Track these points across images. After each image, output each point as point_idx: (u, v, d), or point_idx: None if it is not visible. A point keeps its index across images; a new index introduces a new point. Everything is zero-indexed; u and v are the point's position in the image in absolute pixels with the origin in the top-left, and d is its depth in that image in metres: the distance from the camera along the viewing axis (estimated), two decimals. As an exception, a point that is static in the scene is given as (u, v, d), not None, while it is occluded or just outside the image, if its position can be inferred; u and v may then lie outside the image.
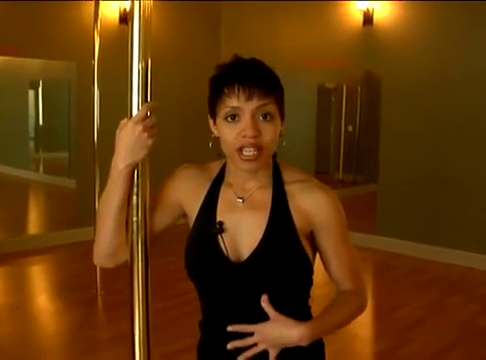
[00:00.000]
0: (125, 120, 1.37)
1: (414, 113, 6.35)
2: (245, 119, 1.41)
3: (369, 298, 5.38)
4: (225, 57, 1.48)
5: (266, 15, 7.38)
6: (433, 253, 6.15)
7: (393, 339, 4.22)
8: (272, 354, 1.43)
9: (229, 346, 1.45)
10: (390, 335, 4.31)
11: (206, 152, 1.64)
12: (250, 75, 1.41)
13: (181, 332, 4.08)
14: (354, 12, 6.67)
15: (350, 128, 8.28)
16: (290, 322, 1.41)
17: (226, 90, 1.42)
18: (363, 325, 4.49)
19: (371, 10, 6.51)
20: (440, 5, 6.03)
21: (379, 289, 5.53)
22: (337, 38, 6.88)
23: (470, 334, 4.35)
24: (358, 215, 6.55)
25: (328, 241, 1.51)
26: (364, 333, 4.39)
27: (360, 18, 6.61)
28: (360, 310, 1.58)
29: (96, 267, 4.86)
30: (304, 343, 1.41)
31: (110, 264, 1.55)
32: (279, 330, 1.41)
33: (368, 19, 6.54)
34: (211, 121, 1.51)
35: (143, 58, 1.36)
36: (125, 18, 6.66)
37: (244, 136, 1.40)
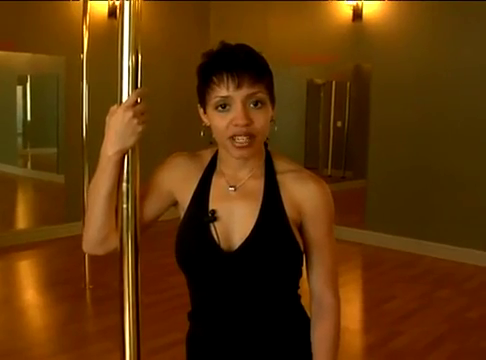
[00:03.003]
0: (115, 106, 1.36)
1: (403, 109, 6.37)
2: (236, 108, 1.39)
3: (358, 291, 5.36)
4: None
5: (255, 9, 7.38)
6: (422, 247, 6.17)
7: (382, 332, 4.24)
8: None
9: None
10: (379, 328, 4.33)
11: (196, 141, 1.63)
12: (238, 63, 1.39)
13: (170, 326, 4.08)
14: (343, 7, 6.67)
15: (339, 124, 8.26)
16: None
17: (215, 79, 1.39)
18: (352, 318, 4.51)
19: (360, 5, 6.52)
20: (429, 0, 6.05)
21: (368, 283, 5.55)
22: (326, 33, 6.89)
23: (459, 327, 4.37)
24: (347, 210, 6.57)
25: (314, 232, 1.51)
26: (353, 326, 4.40)
27: (349, 13, 6.61)
28: (338, 318, 1.57)
29: (85, 261, 4.86)
30: None
31: (100, 251, 1.53)
32: None
33: (357, 14, 6.55)
34: (201, 110, 1.50)
35: (133, 44, 1.35)
36: (114, 12, 6.63)
37: (236, 125, 1.39)
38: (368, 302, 5.03)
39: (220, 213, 1.48)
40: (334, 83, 8.13)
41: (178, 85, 7.51)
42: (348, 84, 7.99)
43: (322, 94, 8.37)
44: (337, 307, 1.56)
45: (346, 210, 6.37)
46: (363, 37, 6.61)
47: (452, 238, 6.02)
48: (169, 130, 7.53)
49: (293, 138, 7.54)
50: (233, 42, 1.46)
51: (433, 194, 6.17)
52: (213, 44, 1.45)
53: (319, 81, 8.27)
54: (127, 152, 1.38)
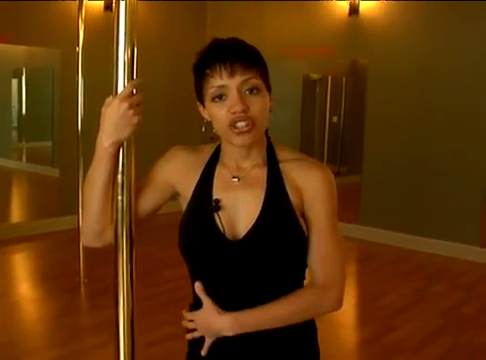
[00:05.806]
0: (111, 97, 1.36)
1: (399, 104, 6.37)
2: (232, 95, 1.40)
3: (353, 286, 5.35)
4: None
5: (252, 5, 7.36)
6: (416, 243, 6.18)
7: (377, 327, 4.25)
8: (207, 342, 1.47)
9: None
10: (374, 323, 4.34)
11: (191, 135, 1.63)
12: (229, 52, 1.41)
13: (164, 320, 4.07)
14: (340, 2, 6.66)
15: (335, 119, 8.26)
16: (216, 311, 1.44)
17: (208, 71, 1.41)
18: (347, 313, 4.51)
19: (357, 0, 6.50)
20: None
21: (363, 278, 5.56)
22: (323, 28, 6.87)
23: (453, 322, 4.38)
24: (342, 205, 6.46)
25: (314, 217, 1.48)
26: (348, 321, 4.41)
27: (346, 8, 6.60)
28: (322, 304, 1.49)
29: (79, 255, 4.84)
30: (228, 333, 1.43)
31: (98, 243, 1.53)
32: (207, 318, 1.45)
33: (354, 9, 6.54)
34: (200, 107, 1.50)
35: (129, 36, 1.35)
36: (110, 5, 6.60)
37: (234, 112, 1.39)
38: (363, 297, 5.03)
39: (224, 202, 1.48)
40: (330, 78, 8.12)
41: (174, 81, 7.49)
42: (344, 79, 7.99)
43: (318, 89, 8.36)
44: (334, 296, 1.48)
45: (341, 205, 6.34)
46: (359, 32, 6.60)
47: (447, 233, 6.04)
48: (165, 124, 7.52)
49: (288, 133, 7.52)
50: (229, 35, 1.47)
51: (428, 190, 6.18)
52: (209, 38, 1.45)
53: (315, 76, 8.26)
54: (122, 144, 1.38)
